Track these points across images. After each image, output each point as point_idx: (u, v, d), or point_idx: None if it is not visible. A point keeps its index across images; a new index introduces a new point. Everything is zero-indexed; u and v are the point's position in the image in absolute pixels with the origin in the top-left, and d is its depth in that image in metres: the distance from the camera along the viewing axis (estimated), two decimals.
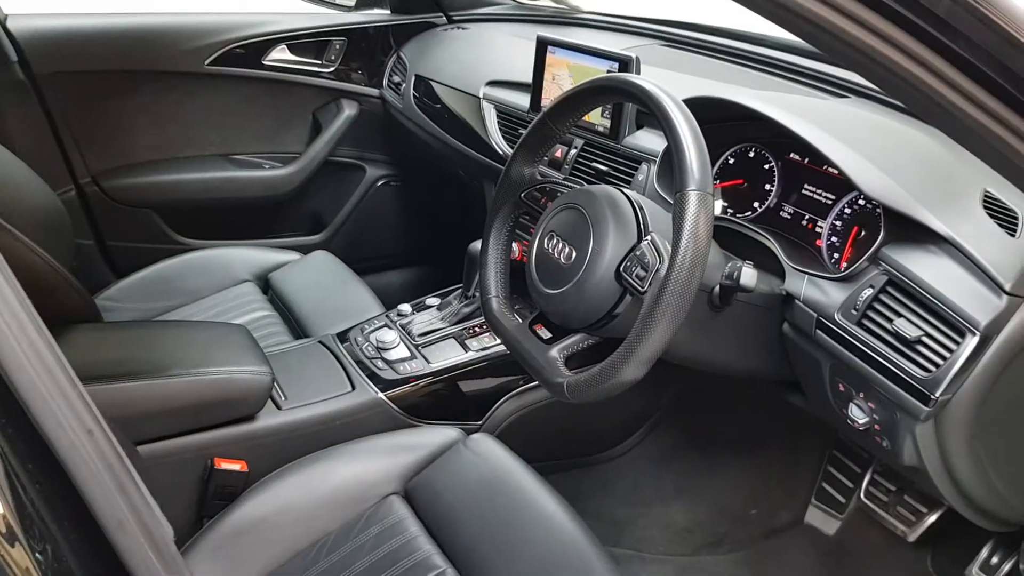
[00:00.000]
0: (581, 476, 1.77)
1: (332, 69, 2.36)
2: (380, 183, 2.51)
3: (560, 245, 1.15)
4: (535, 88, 1.70)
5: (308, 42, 2.30)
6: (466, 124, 1.94)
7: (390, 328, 1.66)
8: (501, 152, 1.79)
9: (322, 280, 1.99)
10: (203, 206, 2.30)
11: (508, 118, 1.81)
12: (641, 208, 1.12)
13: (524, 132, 1.26)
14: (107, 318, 1.85)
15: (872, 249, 1.11)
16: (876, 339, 1.07)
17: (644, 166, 1.47)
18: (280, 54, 2.28)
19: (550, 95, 1.67)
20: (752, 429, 1.83)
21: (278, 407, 1.46)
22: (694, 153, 0.99)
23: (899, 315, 1.05)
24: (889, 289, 1.08)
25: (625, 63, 1.49)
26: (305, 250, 2.13)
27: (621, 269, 1.07)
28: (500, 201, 1.29)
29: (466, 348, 1.60)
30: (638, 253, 1.06)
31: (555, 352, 1.15)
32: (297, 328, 1.86)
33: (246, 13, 2.27)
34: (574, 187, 1.24)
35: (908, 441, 1.07)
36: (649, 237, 1.07)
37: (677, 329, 0.98)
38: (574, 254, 1.12)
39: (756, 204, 1.38)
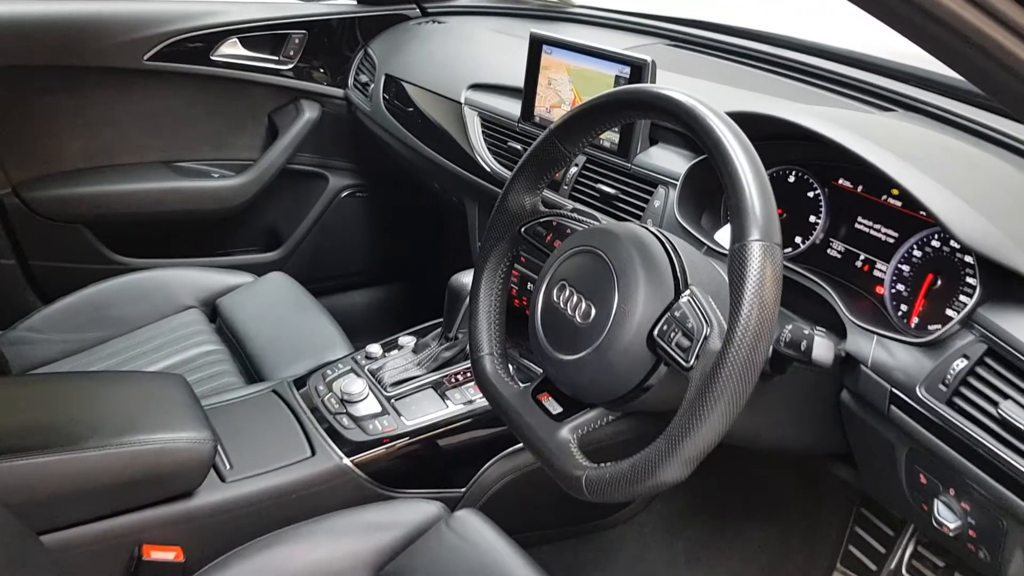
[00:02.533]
0: (579, 546, 1.55)
1: (291, 66, 2.14)
2: (344, 194, 2.30)
3: (575, 299, 0.93)
4: (527, 94, 1.47)
5: (263, 35, 2.08)
6: (445, 133, 1.71)
7: (357, 375, 1.43)
8: (487, 167, 1.56)
9: (278, 308, 1.78)
10: (142, 221, 2.08)
11: (495, 128, 1.58)
12: (676, 253, 0.90)
13: (525, 153, 1.04)
14: (28, 352, 1.64)
15: (967, 310, 0.90)
16: (974, 424, 0.86)
17: (661, 190, 1.25)
18: (231, 48, 2.06)
19: (545, 102, 1.45)
20: (769, 486, 1.63)
21: (222, 479, 1.23)
22: (756, 192, 0.77)
23: (1006, 396, 0.84)
24: (989, 361, 0.87)
25: (638, 68, 1.27)
26: (259, 270, 1.92)
27: (655, 333, 0.86)
28: (495, 237, 1.07)
29: (447, 401, 1.37)
30: (677, 314, 0.85)
31: (567, 432, 0.93)
32: (248, 366, 1.65)
33: (192, 1, 2.03)
34: (588, 223, 1.02)
35: (1019, 558, 0.86)
36: (688, 292, 0.86)
37: (734, 419, 0.76)
38: (593, 311, 0.90)
39: (798, 239, 1.17)
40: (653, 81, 1.27)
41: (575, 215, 1.04)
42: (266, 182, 2.14)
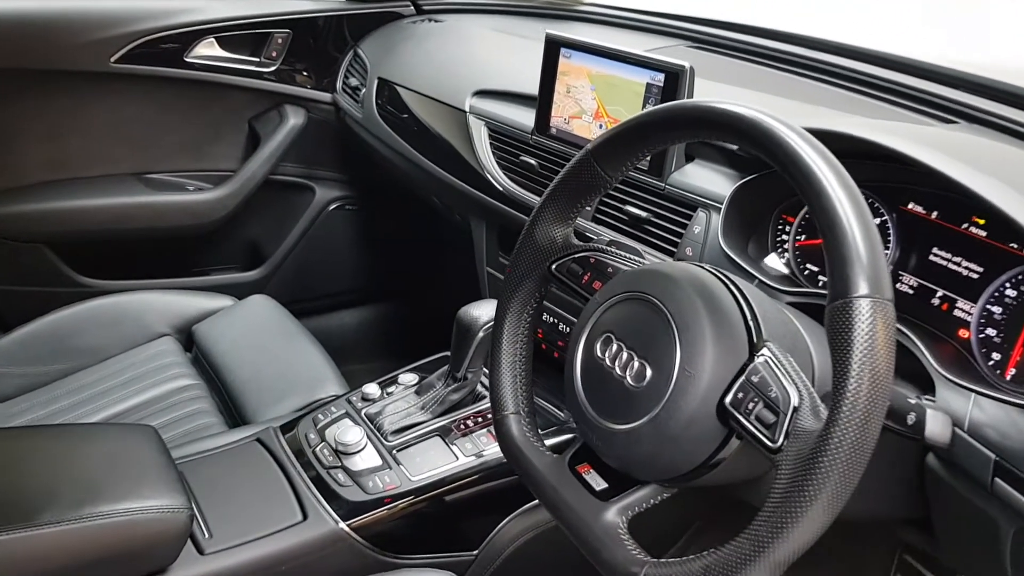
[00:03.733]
0: None
1: (273, 68, 1.98)
2: (332, 207, 2.16)
3: (624, 355, 0.78)
4: (543, 102, 1.33)
5: (243, 35, 1.93)
6: (447, 143, 1.57)
7: (353, 421, 1.28)
8: (497, 184, 1.41)
9: (261, 335, 1.64)
10: (110, 239, 1.94)
11: (505, 140, 1.43)
12: (747, 300, 0.76)
13: (556, 177, 0.89)
14: None
15: None
16: None
17: (701, 213, 1.11)
18: (207, 49, 1.90)
19: (563, 112, 1.30)
20: None
21: (200, 550, 1.08)
22: (861, 237, 0.63)
23: None
24: None
25: (674, 74, 1.13)
26: (239, 291, 1.79)
27: (728, 402, 0.72)
28: (520, 275, 0.92)
29: (455, 451, 1.23)
30: (754, 379, 0.71)
31: (615, 514, 0.79)
32: (228, 404, 1.51)
33: None
34: (631, 259, 0.87)
35: None
36: (765, 351, 0.72)
37: (838, 512, 0.63)
38: (648, 372, 0.76)
39: None
40: (691, 90, 1.13)
41: (614, 250, 0.90)
42: (246, 195, 2.00)
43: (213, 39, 1.89)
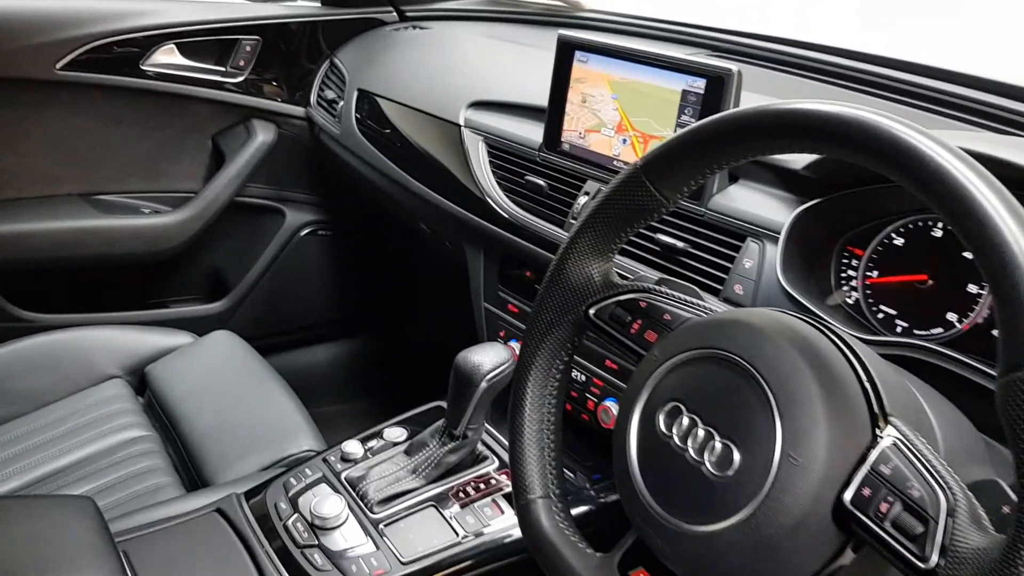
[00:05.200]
0: None
1: (240, 79, 1.80)
2: (304, 232, 1.98)
3: (699, 432, 0.60)
4: (553, 114, 1.15)
5: (208, 41, 1.75)
6: (436, 162, 1.39)
7: (331, 487, 1.08)
8: (499, 208, 1.23)
9: (223, 378, 1.47)
10: (53, 268, 1.76)
11: (507, 157, 1.25)
12: (861, 362, 0.58)
13: (595, 199, 0.71)
14: None
15: None
16: None
17: (752, 244, 0.93)
18: (167, 56, 1.72)
19: (578, 125, 1.13)
20: None
21: None
22: None
23: None
24: None
25: (718, 79, 0.96)
26: (199, 326, 1.63)
27: (849, 500, 0.54)
28: (548, 321, 0.74)
29: (454, 526, 1.03)
30: (885, 470, 0.53)
31: None
32: (185, 460, 1.33)
33: None
34: (693, 303, 0.69)
35: None
36: (892, 430, 0.55)
37: None
38: (736, 457, 0.58)
39: (951, 316, 0.85)
40: (738, 99, 0.96)
41: (668, 291, 0.72)
42: (209, 219, 1.82)
43: (173, 45, 1.72)
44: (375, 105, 1.59)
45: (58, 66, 1.60)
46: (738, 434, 0.58)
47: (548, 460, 0.73)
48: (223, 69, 1.78)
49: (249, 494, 1.12)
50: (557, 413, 0.75)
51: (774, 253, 0.91)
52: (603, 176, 1.10)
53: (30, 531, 0.92)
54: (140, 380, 1.51)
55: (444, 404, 1.23)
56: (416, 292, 2.12)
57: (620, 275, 0.75)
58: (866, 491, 0.53)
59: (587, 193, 1.11)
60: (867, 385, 0.57)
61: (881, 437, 0.55)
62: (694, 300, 0.70)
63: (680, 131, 0.65)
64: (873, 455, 0.54)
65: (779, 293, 0.89)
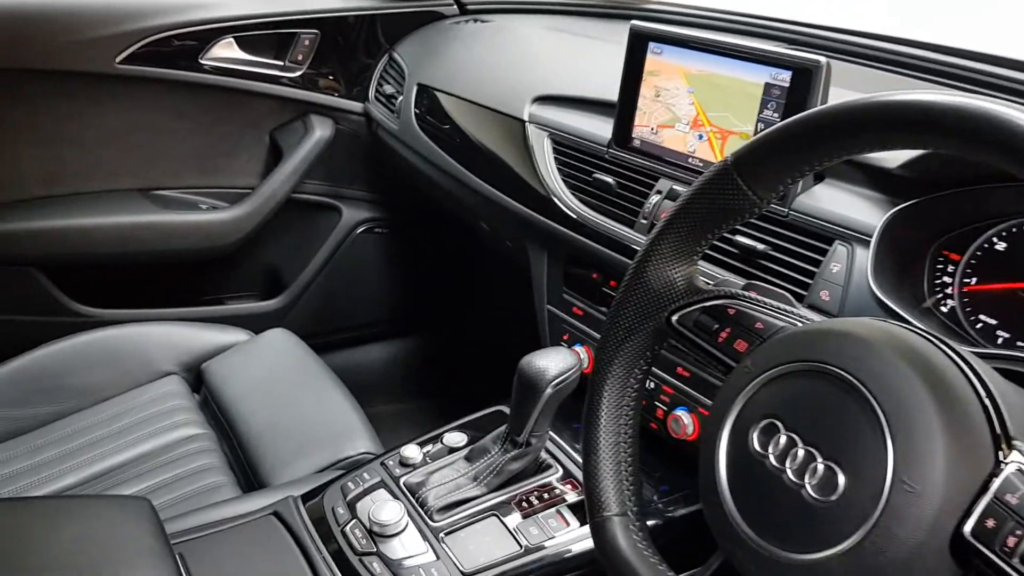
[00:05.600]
0: None
1: (298, 73, 1.78)
2: (361, 229, 1.96)
3: (799, 452, 0.55)
4: (623, 109, 1.11)
5: (266, 35, 1.73)
6: (499, 159, 1.35)
7: (390, 493, 1.05)
8: (565, 207, 1.19)
9: (279, 377, 1.45)
10: (111, 263, 1.75)
11: (573, 154, 1.21)
12: (981, 379, 0.53)
13: (680, 197, 0.67)
14: None
15: None
16: None
17: (840, 248, 0.88)
18: (225, 51, 1.71)
19: (651, 120, 1.08)
20: None
21: None
22: None
23: None
24: None
25: (806, 71, 0.90)
26: (255, 323, 1.62)
27: (969, 531, 0.49)
28: (626, 328, 0.70)
29: (518, 537, 0.99)
30: (1012, 500, 0.48)
31: None
32: (241, 459, 1.32)
33: None
34: (786, 311, 0.64)
35: None
36: (1016, 455, 0.50)
37: None
38: (841, 480, 0.53)
39: None
40: (826, 93, 0.90)
41: (758, 297, 0.67)
42: (266, 215, 1.80)
43: (232, 39, 1.70)
44: (435, 100, 1.56)
45: (118, 60, 1.60)
46: (843, 455, 0.53)
47: (625, 475, 0.69)
48: (281, 63, 1.76)
49: (306, 497, 1.10)
50: (634, 425, 0.71)
51: (864, 257, 0.85)
52: (677, 174, 1.05)
53: (87, 531, 0.91)
54: (196, 377, 1.50)
55: (505, 409, 1.20)
56: (474, 292, 2.09)
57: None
58: (990, 522, 0.48)
59: (659, 192, 1.06)
60: (988, 404, 0.52)
61: (1006, 463, 0.50)
62: (787, 307, 0.65)
63: (780, 123, 0.61)
64: (997, 482, 0.49)
65: (870, 300, 0.83)
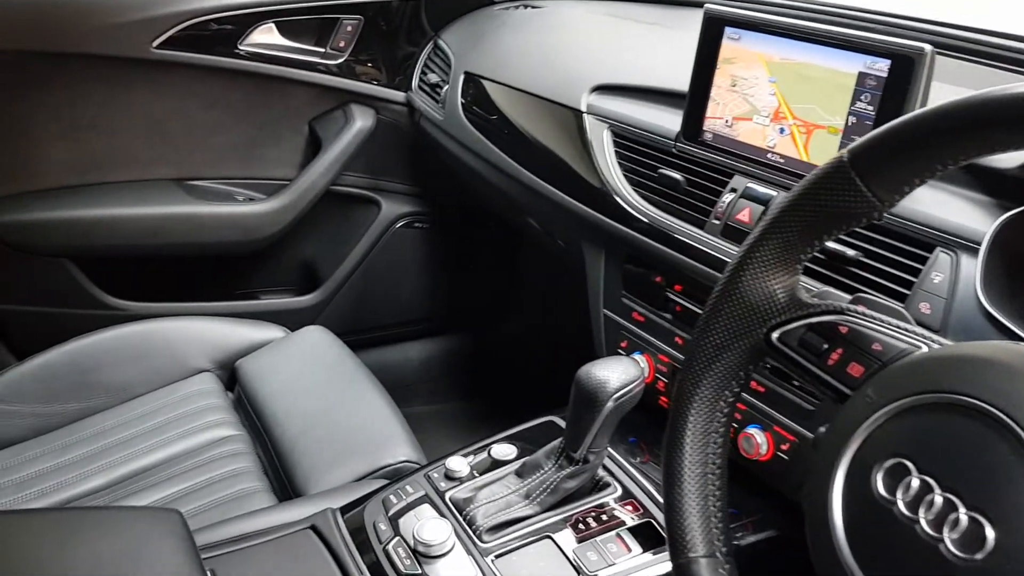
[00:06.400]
0: None
1: (340, 60, 1.72)
2: (400, 224, 1.90)
3: (935, 500, 0.48)
4: (694, 99, 1.03)
5: (308, 20, 1.67)
6: (552, 152, 1.28)
7: (436, 509, 0.99)
8: (626, 205, 1.11)
9: (317, 377, 1.40)
10: (144, 255, 1.71)
11: (636, 148, 1.13)
12: None
13: (782, 198, 0.59)
14: None
15: None
16: None
17: (943, 256, 0.80)
18: (265, 36, 1.65)
19: (725, 112, 1.00)
20: None
21: None
22: None
23: None
24: None
25: (906, 59, 0.82)
26: (291, 319, 1.60)
27: None
28: (717, 345, 0.62)
29: (575, 562, 0.92)
30: None
31: None
32: (276, 464, 1.26)
33: None
34: (916, 333, 0.56)
35: None
36: None
37: None
38: (990, 536, 0.45)
39: None
40: (929, 84, 0.82)
41: (871, 312, 0.59)
42: (303, 208, 1.75)
43: (272, 24, 1.64)
44: (483, 89, 1.49)
45: (154, 44, 1.54)
46: (991, 505, 0.45)
47: (713, 511, 0.61)
48: (322, 50, 1.70)
49: (345, 509, 1.04)
50: (723, 454, 0.63)
51: (971, 267, 0.77)
52: (753, 171, 0.97)
53: (115, 547, 0.85)
54: (230, 375, 1.45)
55: (558, 420, 1.13)
56: (519, 292, 2.02)
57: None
58: None
59: (733, 190, 0.98)
60: None
61: None
62: (907, 326, 0.57)
63: (912, 113, 0.53)
64: None
65: (978, 314, 0.75)
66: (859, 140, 0.55)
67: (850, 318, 0.58)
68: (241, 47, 1.62)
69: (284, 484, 1.22)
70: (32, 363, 1.38)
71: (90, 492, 1.22)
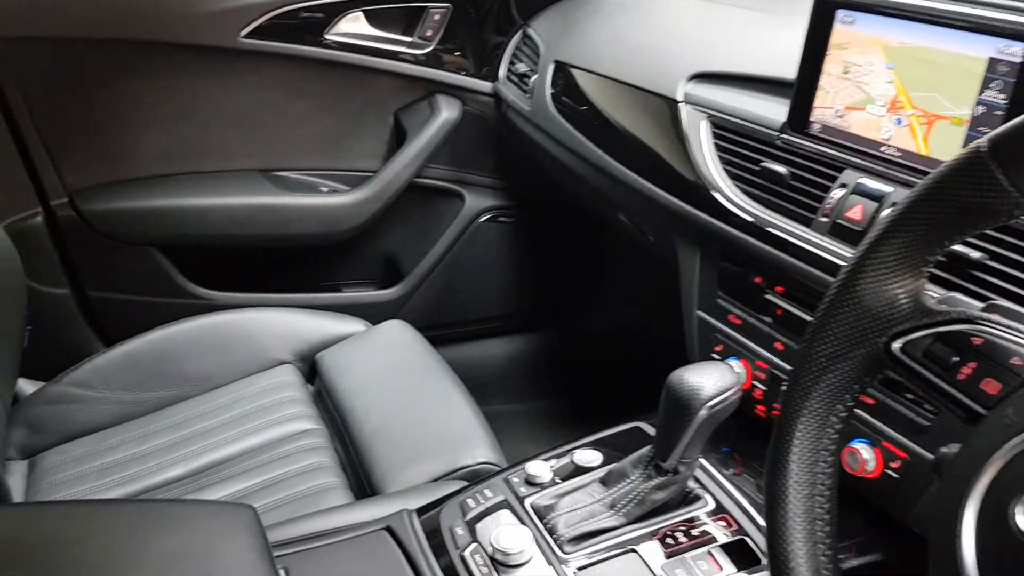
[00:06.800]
0: None
1: (427, 50, 1.69)
2: (484, 218, 1.87)
3: None
4: (802, 87, 0.97)
5: (395, 8, 1.65)
6: (645, 144, 1.23)
7: (515, 515, 0.95)
8: (725, 200, 1.05)
9: (397, 372, 1.39)
10: (228, 244, 1.71)
11: (736, 139, 1.07)
12: None
13: (914, 192, 0.53)
14: (69, 415, 1.35)
15: None
16: None
17: None
18: (352, 25, 1.63)
19: (836, 101, 0.94)
20: None
21: None
22: None
23: None
24: None
25: None
26: (372, 312, 1.58)
27: None
28: (831, 354, 0.57)
29: None
30: None
31: None
32: (352, 459, 1.25)
33: None
34: None
35: None
36: None
37: None
38: None
39: None
40: None
41: (1011, 323, 0.53)
42: (387, 200, 1.73)
43: (360, 13, 1.62)
44: (573, 79, 1.44)
45: (242, 34, 1.54)
46: None
47: (820, 537, 0.56)
48: (409, 40, 1.68)
49: (422, 511, 1.01)
50: (833, 475, 0.57)
51: None
52: (866, 165, 0.90)
53: (188, 542, 0.84)
54: (310, 367, 1.44)
55: (645, 426, 1.09)
56: (604, 290, 1.97)
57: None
58: None
59: (843, 185, 0.91)
60: None
61: None
62: None
63: None
64: None
65: None
66: (1001, 128, 0.49)
67: (985, 328, 0.52)
68: (328, 36, 1.61)
69: (361, 480, 1.21)
70: (118, 350, 1.40)
71: (169, 482, 1.23)
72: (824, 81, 0.94)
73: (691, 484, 0.97)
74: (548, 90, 1.50)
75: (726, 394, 0.87)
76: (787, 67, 1.00)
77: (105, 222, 1.61)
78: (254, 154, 1.70)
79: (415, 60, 1.69)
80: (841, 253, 0.89)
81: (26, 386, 1.46)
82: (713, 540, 0.90)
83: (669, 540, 0.90)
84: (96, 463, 1.27)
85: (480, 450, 1.18)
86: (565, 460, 1.04)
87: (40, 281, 1.61)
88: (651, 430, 1.06)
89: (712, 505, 0.95)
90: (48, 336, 1.56)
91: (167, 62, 1.56)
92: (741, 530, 0.91)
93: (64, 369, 1.37)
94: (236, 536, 0.85)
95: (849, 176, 0.92)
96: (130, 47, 1.53)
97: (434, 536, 0.97)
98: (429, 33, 1.67)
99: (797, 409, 0.57)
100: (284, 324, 1.47)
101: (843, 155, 0.93)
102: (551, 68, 1.51)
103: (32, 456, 1.31)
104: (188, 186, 1.65)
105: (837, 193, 0.92)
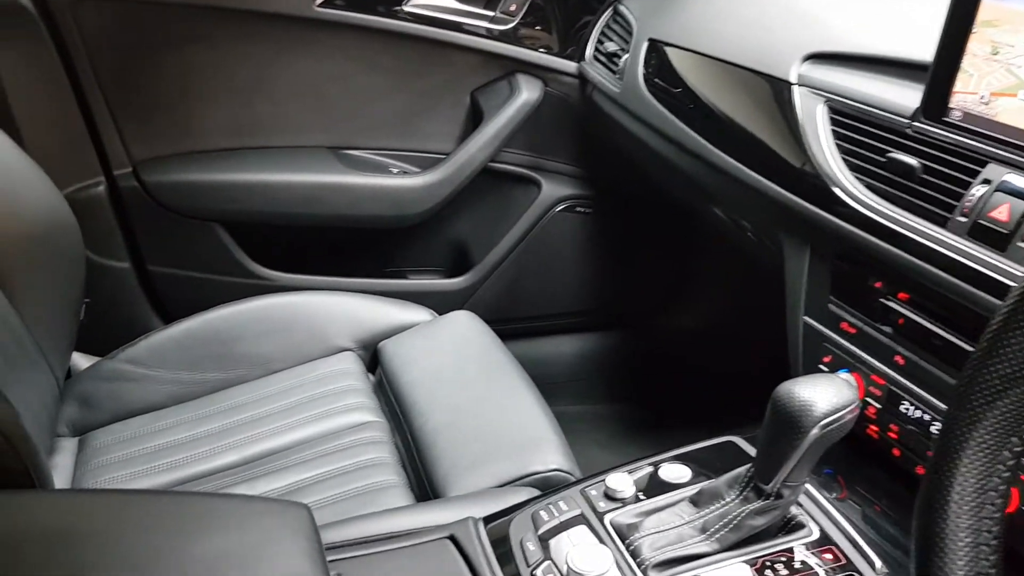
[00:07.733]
0: None
1: (510, 25, 1.64)
2: (560, 207, 1.82)
3: None
4: (941, 70, 0.87)
5: None
6: (751, 131, 1.15)
7: (594, 534, 0.88)
8: (844, 194, 0.96)
9: (464, 366, 1.34)
10: (294, 224, 1.70)
11: (858, 127, 0.98)
12: None
13: None
14: (123, 393, 1.34)
15: None
16: None
17: None
18: None
19: (979, 86, 0.84)
20: None
21: None
22: None
23: None
24: None
25: None
26: (437, 302, 1.54)
27: None
28: (1003, 377, 0.48)
29: None
30: None
31: None
32: (413, 456, 1.20)
33: None
34: None
35: None
36: None
37: None
38: None
39: None
40: None
41: None
42: (459, 184, 1.69)
43: None
44: (668, 59, 1.37)
45: (317, 2, 1.52)
46: None
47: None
48: (491, 14, 1.63)
49: (488, 519, 0.95)
50: (1000, 519, 0.49)
51: None
52: (1015, 158, 0.81)
53: (237, 541, 0.79)
54: (372, 356, 1.41)
55: (741, 442, 1.01)
56: (690, 289, 1.90)
57: None
58: None
59: (987, 181, 0.82)
60: None
61: None
62: None
63: None
64: None
65: None
66: None
67: None
68: (405, 7, 1.58)
69: (421, 480, 1.16)
70: (176, 328, 1.38)
71: (219, 470, 1.20)
72: (967, 63, 0.85)
73: (793, 510, 0.88)
74: (640, 71, 1.43)
75: (842, 412, 0.79)
76: (919, 47, 0.91)
77: (168, 195, 1.60)
78: (323, 130, 1.68)
79: (495, 36, 1.64)
80: (982, 258, 0.80)
81: (80, 360, 1.45)
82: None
83: (768, 572, 0.82)
84: (146, 445, 1.25)
85: (552, 456, 1.12)
86: (647, 473, 0.97)
87: (99, 253, 1.61)
88: (747, 446, 0.99)
89: (816, 535, 0.86)
90: (105, 310, 1.55)
91: (239, 30, 1.54)
92: (850, 564, 0.83)
93: (120, 345, 1.36)
94: (288, 538, 0.80)
95: (994, 171, 0.82)
96: (201, 12, 1.51)
97: (502, 548, 0.90)
98: (512, 8, 1.62)
99: (962, 441, 0.49)
100: (346, 309, 1.44)
101: (988, 147, 0.83)
102: (644, 47, 1.44)
103: (83, 434, 1.29)
104: (254, 161, 1.63)
105: (979, 190, 0.82)
